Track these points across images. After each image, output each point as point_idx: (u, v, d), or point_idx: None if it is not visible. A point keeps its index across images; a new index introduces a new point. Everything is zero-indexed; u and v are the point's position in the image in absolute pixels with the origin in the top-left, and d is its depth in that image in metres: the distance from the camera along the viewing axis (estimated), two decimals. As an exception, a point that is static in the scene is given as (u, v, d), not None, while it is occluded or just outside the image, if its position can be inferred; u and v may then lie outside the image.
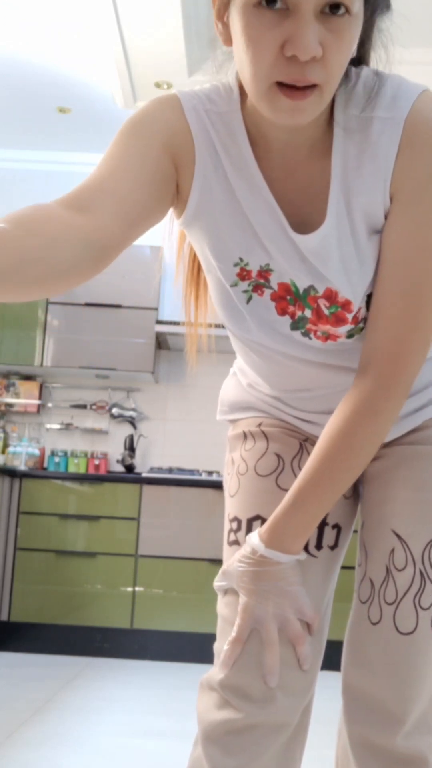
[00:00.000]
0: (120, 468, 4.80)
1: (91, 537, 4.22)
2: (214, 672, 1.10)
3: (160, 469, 4.57)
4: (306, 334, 1.07)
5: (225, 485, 1.24)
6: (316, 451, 1.02)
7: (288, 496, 1.04)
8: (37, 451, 4.77)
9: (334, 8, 0.83)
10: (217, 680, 1.08)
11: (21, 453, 4.71)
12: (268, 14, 0.83)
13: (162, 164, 0.98)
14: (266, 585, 1.04)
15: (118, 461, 4.82)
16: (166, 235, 1.17)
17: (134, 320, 4.64)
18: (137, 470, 4.77)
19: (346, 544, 1.20)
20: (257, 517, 1.14)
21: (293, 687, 1.07)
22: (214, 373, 4.61)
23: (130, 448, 4.78)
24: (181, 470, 4.53)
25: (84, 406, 4.93)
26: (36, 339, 4.69)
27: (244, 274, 1.05)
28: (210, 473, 4.42)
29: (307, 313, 1.05)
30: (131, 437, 4.80)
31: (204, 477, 4.31)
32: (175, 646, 4.05)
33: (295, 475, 1.15)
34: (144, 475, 4.36)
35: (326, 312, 1.03)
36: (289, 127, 0.94)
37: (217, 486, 4.11)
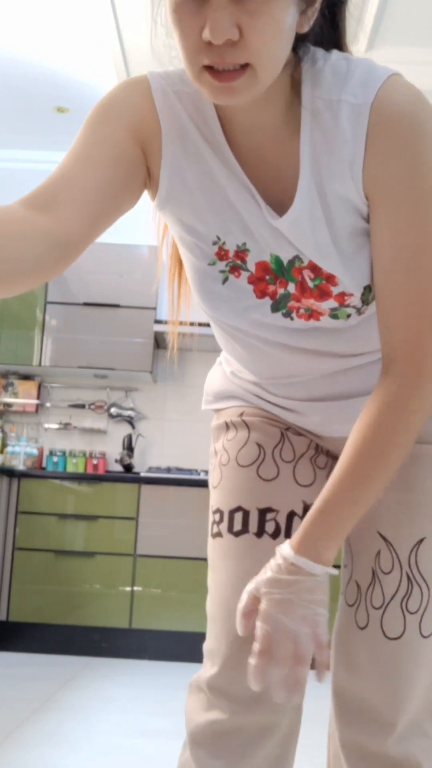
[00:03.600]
0: (118, 468, 4.80)
1: (89, 537, 4.22)
2: (203, 672, 1.08)
3: (158, 469, 4.57)
4: (288, 314, 1.04)
5: (209, 477, 1.23)
6: (347, 454, 0.97)
7: (318, 502, 0.98)
8: (35, 451, 4.77)
9: None
10: (204, 680, 1.07)
11: (19, 453, 4.71)
12: (189, 2, 0.84)
13: (128, 150, 0.97)
14: (292, 596, 0.97)
15: (116, 461, 4.82)
16: (154, 229, 1.16)
17: (133, 320, 4.64)
18: (136, 470, 4.77)
19: None
20: (239, 509, 1.13)
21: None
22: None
23: (129, 447, 4.78)
24: (179, 470, 4.53)
25: (82, 406, 4.93)
26: (34, 339, 4.69)
27: (222, 254, 1.03)
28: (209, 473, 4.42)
29: (291, 288, 1.02)
30: (130, 437, 4.80)
31: (202, 476, 4.31)
32: (174, 645, 4.05)
33: (276, 465, 1.15)
34: (142, 474, 4.36)
35: (311, 284, 1.01)
36: (239, 108, 0.94)
37: (216, 486, 4.11)
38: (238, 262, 1.03)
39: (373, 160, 0.92)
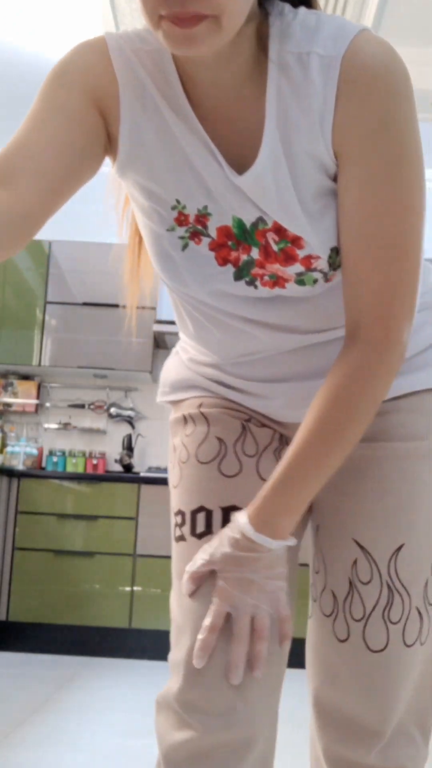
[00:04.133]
0: (118, 467, 4.80)
1: (89, 536, 4.22)
2: (171, 686, 1.01)
3: (158, 469, 4.57)
4: (251, 281, 0.99)
5: (169, 476, 1.16)
6: (307, 424, 0.94)
7: (277, 473, 0.95)
8: (35, 451, 4.77)
9: None
10: (172, 695, 1.00)
11: (19, 453, 4.71)
12: None
13: (85, 116, 0.93)
14: (251, 574, 0.95)
15: (116, 461, 4.82)
16: (112, 201, 1.11)
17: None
18: (135, 470, 4.77)
19: (302, 534, 1.12)
20: (201, 509, 1.06)
21: (257, 697, 0.99)
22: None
23: (128, 447, 4.78)
24: (179, 470, 4.53)
25: (82, 406, 4.93)
26: (34, 338, 4.69)
27: (182, 219, 0.98)
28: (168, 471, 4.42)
29: (254, 253, 0.97)
30: (129, 437, 4.80)
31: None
32: (174, 645, 4.05)
33: (239, 460, 1.08)
34: (142, 474, 4.36)
35: (275, 248, 0.96)
36: (201, 64, 0.90)
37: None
38: (199, 227, 0.98)
39: (342, 116, 0.89)
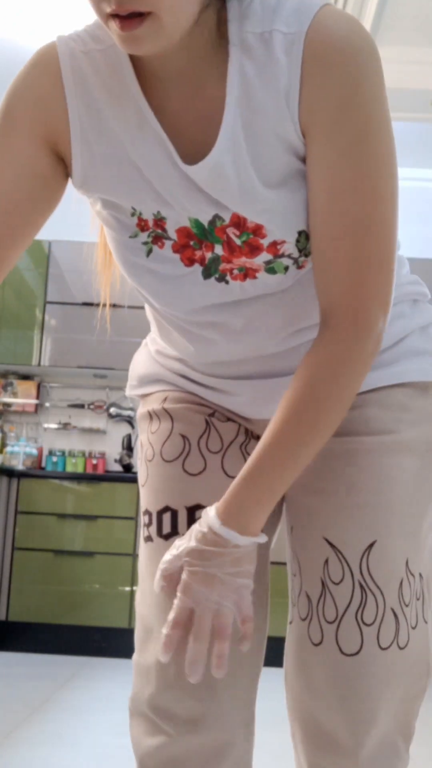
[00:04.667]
0: (118, 467, 4.80)
1: (89, 536, 4.22)
2: (139, 691, 1.00)
3: (157, 469, 4.57)
4: (222, 277, 0.96)
5: (138, 474, 1.14)
6: (279, 415, 0.91)
7: (247, 467, 0.91)
8: (34, 451, 4.77)
9: None
10: (144, 700, 0.99)
11: (19, 453, 4.70)
12: None
13: (37, 161, 0.95)
14: (216, 570, 0.90)
15: (115, 461, 4.82)
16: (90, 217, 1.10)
17: (132, 320, 4.63)
18: (135, 470, 4.77)
19: (273, 531, 1.09)
20: (166, 509, 1.04)
21: (230, 700, 0.98)
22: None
23: (128, 447, 4.78)
24: (178, 470, 4.53)
25: (82, 406, 4.93)
26: (34, 338, 4.69)
27: (142, 224, 0.97)
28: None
29: (218, 249, 0.95)
30: (129, 437, 4.80)
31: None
32: (173, 645, 4.05)
33: (203, 457, 1.06)
34: (142, 474, 4.36)
35: (238, 242, 0.93)
36: (157, 55, 0.88)
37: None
38: (159, 231, 0.96)
39: (308, 92, 0.86)
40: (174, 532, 1.03)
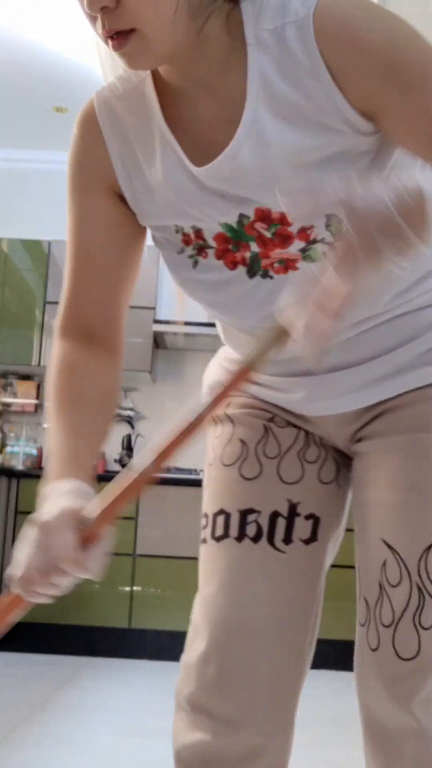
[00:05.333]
0: (117, 467, 4.80)
1: (88, 536, 4.22)
2: (183, 687, 1.03)
3: (157, 469, 4.57)
4: (266, 273, 0.98)
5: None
6: None
7: None
8: (34, 451, 4.76)
9: None
10: (184, 697, 1.02)
11: (18, 453, 4.70)
12: None
13: (109, 202, 1.02)
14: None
15: (115, 461, 4.81)
16: None
17: (131, 320, 4.61)
18: (135, 470, 4.77)
19: (331, 539, 1.09)
20: (221, 512, 1.07)
21: (270, 704, 0.99)
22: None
23: (128, 447, 4.78)
24: (178, 470, 4.52)
25: (81, 406, 4.93)
26: (33, 339, 4.69)
27: (186, 239, 1.01)
28: (208, 473, 4.42)
29: (254, 247, 0.97)
30: (129, 437, 4.80)
31: (202, 476, 4.30)
32: (173, 645, 4.04)
33: (259, 462, 1.08)
34: (142, 474, 4.36)
35: (268, 234, 0.95)
36: (175, 71, 0.92)
37: (215, 485, 4.11)
38: (200, 242, 1.00)
39: (342, 71, 0.86)
40: (225, 535, 1.05)
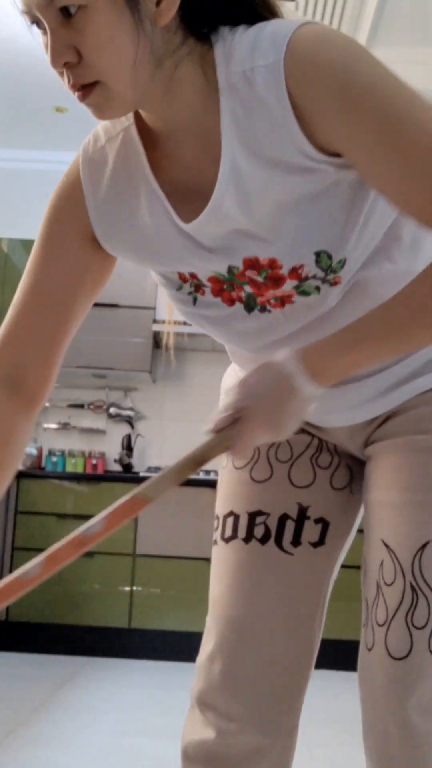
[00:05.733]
0: (117, 467, 4.80)
1: (88, 536, 4.21)
2: (194, 686, 1.05)
3: (157, 469, 4.57)
4: (263, 309, 0.99)
5: None
6: (396, 295, 0.89)
7: (344, 329, 0.90)
8: (34, 451, 4.76)
9: (64, 10, 0.83)
10: (194, 696, 1.04)
11: (18, 453, 4.70)
12: (42, 33, 0.87)
13: (83, 249, 1.03)
14: (264, 390, 0.89)
15: (115, 461, 4.81)
16: None
17: (131, 320, 4.64)
18: (135, 470, 4.77)
19: (340, 544, 1.10)
20: (230, 513, 1.08)
21: (276, 705, 1.01)
22: (212, 372, 4.62)
23: (128, 447, 4.78)
24: (178, 470, 4.52)
25: (81, 406, 4.93)
26: (33, 338, 4.68)
27: (183, 277, 1.02)
28: (207, 472, 4.41)
29: (247, 288, 0.98)
30: (129, 437, 4.80)
31: (201, 476, 4.30)
32: (173, 645, 4.05)
33: (270, 465, 1.10)
34: (141, 474, 4.36)
35: (260, 279, 0.96)
36: (155, 117, 0.93)
37: (215, 485, 4.10)
38: (196, 281, 1.01)
39: (309, 115, 0.85)
40: (233, 536, 1.07)
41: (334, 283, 0.95)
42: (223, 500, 1.12)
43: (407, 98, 0.84)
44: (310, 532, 1.06)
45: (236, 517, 1.08)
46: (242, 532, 1.06)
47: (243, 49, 0.88)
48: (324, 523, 1.07)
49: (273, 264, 0.94)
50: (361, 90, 0.83)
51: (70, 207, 1.02)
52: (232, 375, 1.22)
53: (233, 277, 0.97)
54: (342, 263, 0.93)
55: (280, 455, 1.11)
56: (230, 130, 0.89)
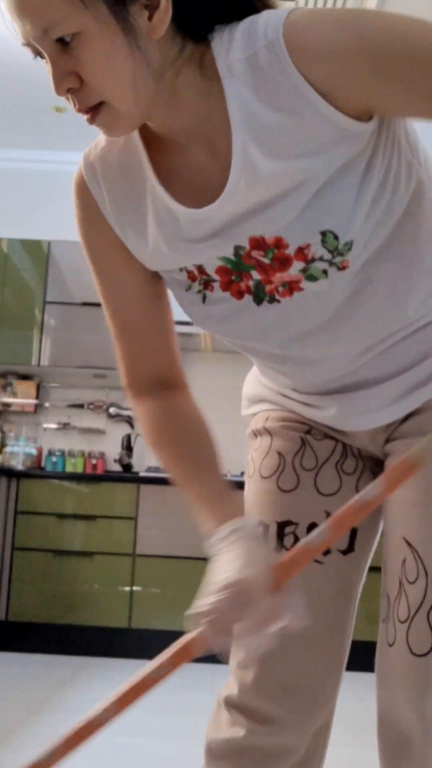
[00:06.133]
0: (117, 467, 4.80)
1: (88, 536, 4.22)
2: (225, 689, 1.06)
3: (157, 469, 4.57)
4: (272, 299, 0.99)
5: None
6: None
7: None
8: (34, 451, 4.76)
9: (60, 40, 0.85)
10: (225, 697, 1.05)
11: (18, 453, 4.70)
12: (45, 63, 0.90)
13: (125, 257, 1.06)
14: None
15: (115, 461, 4.81)
16: None
17: (131, 320, 4.64)
18: (134, 469, 4.77)
19: (368, 548, 1.12)
20: (259, 523, 1.09)
21: (307, 710, 1.02)
22: (211, 372, 4.62)
23: (128, 447, 4.78)
24: (178, 469, 4.52)
25: (81, 406, 4.93)
26: (33, 338, 4.69)
27: (192, 276, 1.03)
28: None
29: (255, 275, 0.98)
30: (128, 436, 4.80)
31: (201, 476, 4.31)
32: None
33: (296, 474, 1.11)
34: (141, 474, 4.36)
35: (266, 261, 0.96)
36: (158, 123, 0.95)
37: (215, 485, 4.11)
38: (205, 276, 1.02)
39: (323, 79, 0.84)
40: None
41: (341, 268, 0.95)
42: (251, 510, 1.12)
43: (421, 28, 0.84)
44: (340, 539, 1.07)
45: (265, 527, 1.09)
46: (272, 541, 1.07)
47: (241, 36, 0.88)
48: (352, 530, 1.09)
49: (279, 243, 0.95)
50: (377, 41, 0.83)
51: (93, 227, 1.06)
52: (254, 381, 1.24)
53: (240, 260, 0.98)
54: (348, 246, 0.93)
55: (305, 463, 1.12)
56: (238, 115, 0.89)
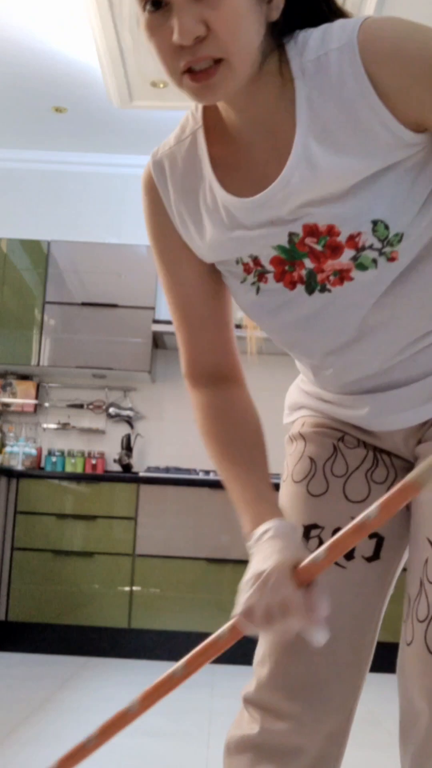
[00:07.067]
0: (117, 467, 4.80)
1: (88, 536, 4.22)
2: (248, 685, 1.08)
3: (157, 469, 4.57)
4: (323, 288, 1.02)
5: None
6: None
7: None
8: (33, 451, 4.77)
9: None
10: (245, 694, 1.08)
11: (18, 453, 4.70)
12: (157, 15, 0.89)
13: (194, 261, 1.11)
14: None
15: (115, 461, 4.81)
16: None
17: (131, 320, 4.64)
18: (134, 470, 4.77)
19: (396, 557, 1.12)
20: None
21: (324, 706, 1.03)
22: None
23: (127, 447, 4.78)
24: (178, 469, 4.53)
25: (81, 406, 4.93)
26: (33, 339, 4.69)
27: (247, 268, 1.06)
28: (207, 472, 4.42)
29: (308, 263, 1.01)
30: (128, 437, 4.80)
31: (201, 476, 4.30)
32: (173, 645, 4.05)
33: (326, 480, 1.13)
34: (141, 474, 4.36)
35: (318, 248, 0.99)
36: (232, 114, 0.98)
37: (214, 485, 4.11)
38: (259, 268, 1.05)
39: (389, 85, 0.89)
40: None
41: (391, 259, 0.98)
42: (283, 513, 1.12)
43: None
44: (364, 546, 1.08)
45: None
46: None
47: (314, 41, 0.93)
48: (378, 538, 1.09)
49: (331, 230, 0.98)
50: None
51: (160, 224, 1.10)
52: (296, 390, 1.26)
53: (294, 247, 1.01)
54: (399, 237, 0.97)
55: (336, 470, 1.14)
56: (304, 114, 0.94)
